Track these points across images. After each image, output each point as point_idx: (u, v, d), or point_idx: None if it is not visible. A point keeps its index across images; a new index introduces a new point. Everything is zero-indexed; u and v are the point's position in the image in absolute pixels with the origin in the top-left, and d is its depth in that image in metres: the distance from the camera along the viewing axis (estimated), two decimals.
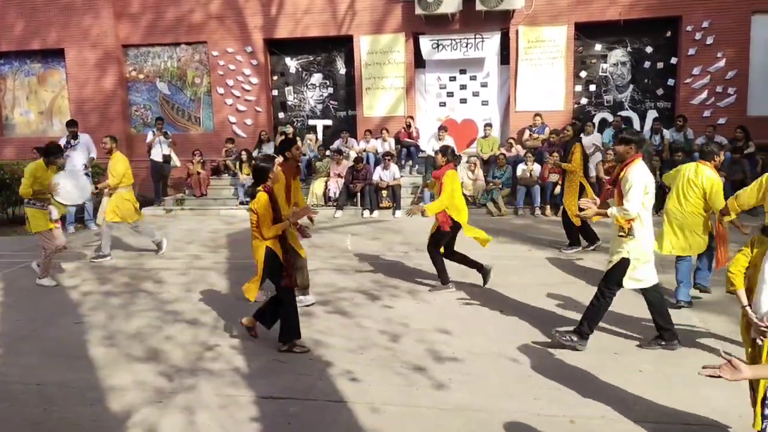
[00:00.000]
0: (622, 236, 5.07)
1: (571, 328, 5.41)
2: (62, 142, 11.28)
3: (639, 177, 4.94)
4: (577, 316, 5.88)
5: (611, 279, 5.22)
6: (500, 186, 12.48)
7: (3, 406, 4.64)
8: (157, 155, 13.39)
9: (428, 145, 13.97)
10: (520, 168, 12.46)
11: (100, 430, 4.27)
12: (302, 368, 5.12)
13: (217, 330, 6.15)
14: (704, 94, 13.33)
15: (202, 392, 4.79)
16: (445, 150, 7.11)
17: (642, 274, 5.18)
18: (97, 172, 13.03)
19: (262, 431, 4.20)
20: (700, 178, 6.21)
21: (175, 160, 13.82)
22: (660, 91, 13.93)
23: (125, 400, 4.68)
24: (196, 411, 4.49)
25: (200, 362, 5.37)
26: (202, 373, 5.13)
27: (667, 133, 12.75)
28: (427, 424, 4.21)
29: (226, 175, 14.49)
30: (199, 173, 14.05)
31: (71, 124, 11.51)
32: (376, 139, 14.05)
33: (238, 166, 13.94)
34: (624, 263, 5.12)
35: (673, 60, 13.66)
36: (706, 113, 13.28)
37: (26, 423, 4.40)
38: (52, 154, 7.72)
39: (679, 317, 6.03)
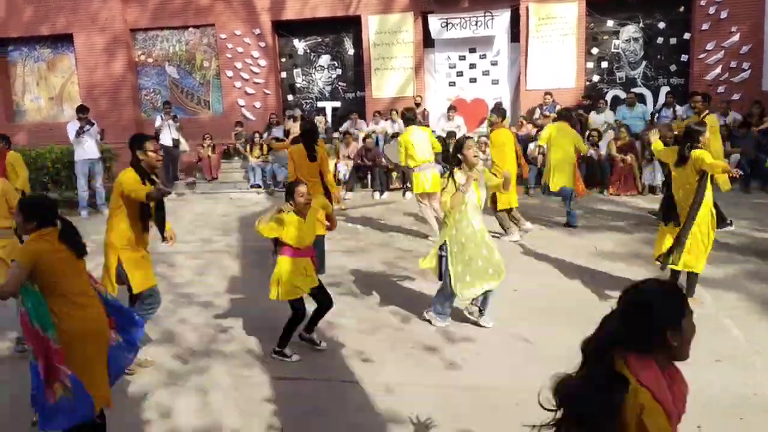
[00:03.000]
0: None
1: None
2: (75, 128, 11.33)
3: None
4: (594, 293, 5.88)
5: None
6: None
7: (18, 390, 4.71)
8: (166, 139, 13.41)
9: (438, 125, 13.89)
10: (531, 147, 12.35)
11: (115, 413, 4.33)
12: (315, 349, 5.16)
13: (230, 313, 6.20)
14: (718, 70, 13.13)
15: (216, 374, 4.84)
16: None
17: None
18: (110, 157, 13.11)
19: (275, 411, 4.25)
20: (569, 135, 8.75)
21: (184, 145, 13.84)
22: (673, 68, 13.73)
23: (140, 382, 4.74)
24: (211, 392, 4.55)
25: (214, 344, 5.42)
26: (215, 355, 5.18)
27: (680, 109, 12.58)
28: (438, 404, 4.23)
29: (237, 158, 14.50)
30: (209, 157, 14.07)
31: (83, 109, 11.53)
32: (386, 120, 13.98)
33: (248, 149, 13.95)
34: None
35: (687, 35, 13.44)
36: (721, 89, 13.09)
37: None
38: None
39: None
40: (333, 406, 4.30)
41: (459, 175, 5.21)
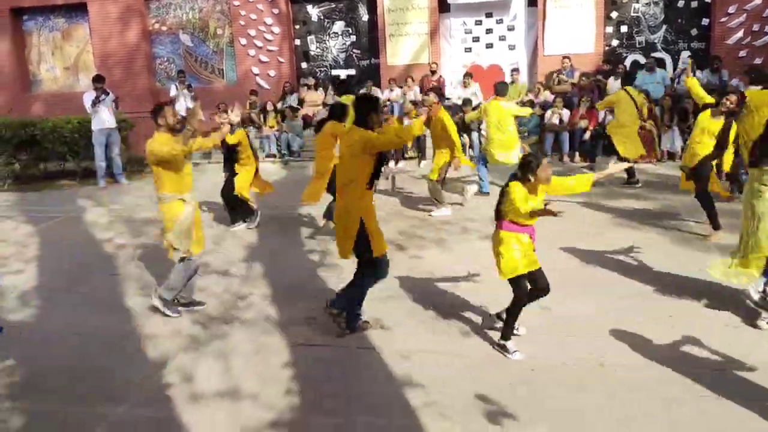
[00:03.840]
0: None
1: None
2: (91, 97, 11.36)
3: None
4: (610, 262, 5.86)
5: None
6: (527, 133, 12.27)
7: (43, 355, 4.82)
8: (181, 109, 13.41)
9: (454, 92, 13.75)
10: (548, 114, 12.21)
11: (138, 376, 4.43)
12: (334, 317, 5.20)
13: (248, 280, 6.26)
14: (740, 33, 12.81)
15: (236, 340, 4.92)
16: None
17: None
18: (126, 126, 13.16)
19: (294, 376, 4.32)
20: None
21: (200, 114, 13.80)
22: (694, 31, 13.42)
23: (161, 348, 4.83)
24: (231, 357, 4.62)
25: (233, 311, 5.50)
26: (235, 322, 5.26)
27: (700, 74, 12.32)
28: (455, 370, 4.28)
29: (251, 127, 14.47)
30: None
31: (99, 79, 11.55)
32: (401, 87, 13.86)
33: (262, 119, 13.91)
34: None
35: None
36: (742, 53, 12.80)
37: (65, 370, 4.57)
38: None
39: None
40: (351, 372, 4.36)
41: None
